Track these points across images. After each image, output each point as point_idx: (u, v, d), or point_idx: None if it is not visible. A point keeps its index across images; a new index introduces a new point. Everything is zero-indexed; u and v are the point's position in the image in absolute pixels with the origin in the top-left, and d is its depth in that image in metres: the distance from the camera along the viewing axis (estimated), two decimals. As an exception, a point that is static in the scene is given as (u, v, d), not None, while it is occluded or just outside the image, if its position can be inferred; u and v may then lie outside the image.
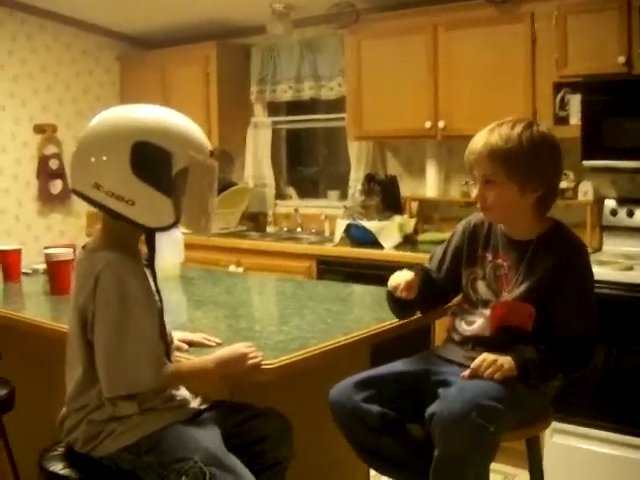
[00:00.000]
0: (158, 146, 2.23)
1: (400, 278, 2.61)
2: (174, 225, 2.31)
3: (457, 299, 2.81)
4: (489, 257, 2.64)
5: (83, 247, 2.39)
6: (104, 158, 2.23)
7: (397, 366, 2.68)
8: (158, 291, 2.41)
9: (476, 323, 2.61)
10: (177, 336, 2.55)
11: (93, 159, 2.24)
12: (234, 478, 2.20)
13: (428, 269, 2.82)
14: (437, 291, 2.79)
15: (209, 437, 2.30)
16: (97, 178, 2.23)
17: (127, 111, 2.32)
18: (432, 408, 2.34)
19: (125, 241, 2.33)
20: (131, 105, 2.36)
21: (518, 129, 2.48)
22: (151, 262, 2.44)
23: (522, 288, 2.52)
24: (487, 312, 2.58)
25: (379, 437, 2.54)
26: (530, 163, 2.47)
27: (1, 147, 6.35)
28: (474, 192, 2.61)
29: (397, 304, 2.70)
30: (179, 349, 2.51)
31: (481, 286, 2.64)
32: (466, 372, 2.44)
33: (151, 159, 2.23)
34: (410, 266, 2.75)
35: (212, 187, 2.39)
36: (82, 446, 2.32)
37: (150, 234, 2.42)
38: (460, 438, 2.25)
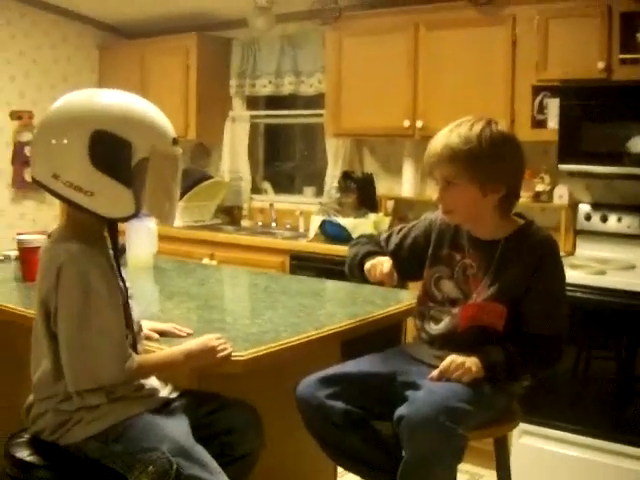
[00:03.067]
0: (117, 136, 2.19)
1: (378, 269, 2.64)
2: (135, 215, 2.27)
3: (415, 299, 2.81)
4: (457, 257, 2.63)
5: (48, 236, 2.36)
6: (62, 148, 2.19)
7: (364, 365, 2.67)
8: (124, 281, 2.37)
9: (443, 322, 2.60)
10: (147, 325, 2.53)
11: (51, 148, 2.20)
12: (201, 469, 2.18)
13: (381, 245, 2.85)
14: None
15: (177, 427, 2.28)
16: (55, 168, 2.19)
17: (88, 97, 2.27)
18: (400, 411, 2.32)
19: (89, 231, 2.29)
20: (94, 90, 2.32)
21: (477, 129, 2.45)
22: (115, 252, 2.38)
23: (493, 289, 2.51)
24: (455, 311, 2.57)
25: (343, 434, 2.53)
26: (490, 163, 2.44)
27: (-24, 133, 6.30)
28: (435, 194, 2.59)
29: (360, 277, 2.77)
30: (149, 338, 2.50)
31: (447, 285, 2.62)
32: (434, 373, 2.43)
33: (110, 149, 2.19)
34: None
35: (175, 175, 2.36)
36: (49, 434, 2.29)
37: (112, 224, 2.37)
38: (429, 441, 2.24)
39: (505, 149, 2.48)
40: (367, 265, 2.69)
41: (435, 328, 2.62)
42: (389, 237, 2.85)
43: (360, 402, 2.54)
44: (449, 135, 2.48)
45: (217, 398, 2.51)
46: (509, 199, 2.54)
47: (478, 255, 2.58)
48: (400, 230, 2.84)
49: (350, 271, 2.86)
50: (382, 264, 2.64)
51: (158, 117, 2.30)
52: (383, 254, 2.75)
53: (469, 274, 2.58)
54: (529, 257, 2.50)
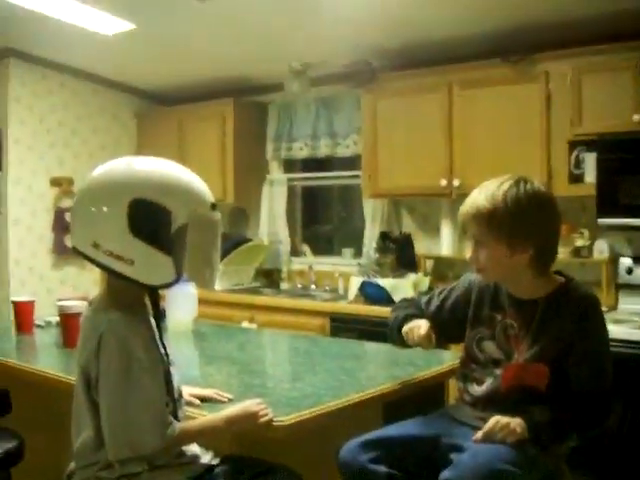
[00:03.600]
0: (156, 203, 2.19)
1: (416, 333, 2.63)
2: (176, 282, 2.27)
3: (457, 360, 2.78)
4: (498, 317, 2.59)
5: (89, 303, 2.38)
6: (101, 217, 2.20)
7: (407, 428, 2.63)
8: (165, 348, 2.37)
9: (486, 383, 2.57)
10: (188, 391, 2.53)
11: (91, 217, 2.21)
12: None
13: (422, 308, 2.83)
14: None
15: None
16: (95, 237, 2.19)
17: (126, 166, 2.27)
18: (445, 474, 2.28)
19: (130, 298, 2.29)
20: (132, 158, 2.33)
21: (504, 188, 2.44)
22: (156, 319, 2.39)
23: (535, 349, 2.48)
24: (498, 371, 2.54)
25: None
26: (515, 223, 2.42)
27: (18, 199, 6.41)
28: (469, 253, 2.58)
29: (399, 340, 2.76)
30: (191, 404, 2.49)
31: (489, 346, 2.59)
32: (478, 435, 2.39)
33: (149, 217, 2.20)
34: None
35: (215, 240, 2.35)
36: None
37: (153, 291, 2.38)
38: None
39: (531, 208, 2.45)
40: (405, 328, 2.69)
41: (478, 389, 2.59)
42: (430, 300, 2.84)
43: (403, 465, 2.50)
44: (478, 194, 2.49)
45: (260, 463, 2.48)
46: (542, 258, 2.50)
47: (518, 315, 2.55)
48: (441, 292, 2.83)
49: (390, 335, 2.85)
50: (420, 327, 2.64)
51: (196, 183, 2.31)
52: (422, 317, 2.74)
53: (510, 334, 2.55)
54: (570, 316, 2.46)
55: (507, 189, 2.44)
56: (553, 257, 2.55)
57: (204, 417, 2.39)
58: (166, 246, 2.21)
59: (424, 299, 2.87)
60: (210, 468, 2.41)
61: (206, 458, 2.43)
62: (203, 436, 2.37)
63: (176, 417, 2.31)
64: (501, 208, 2.42)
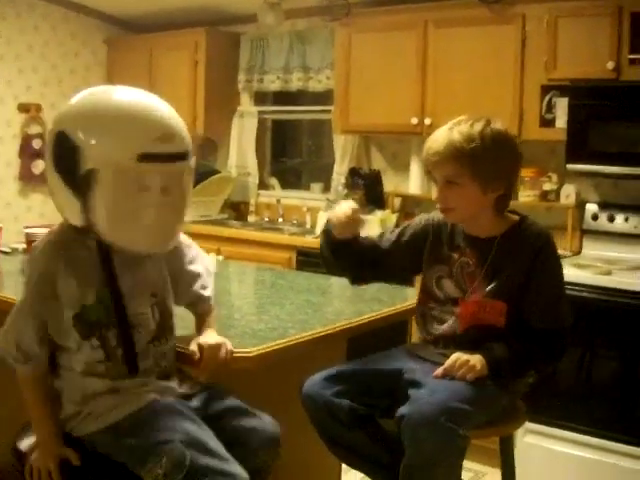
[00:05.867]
0: (70, 139, 2.10)
1: (341, 211, 2.58)
2: (88, 227, 2.17)
3: (416, 298, 2.79)
4: (455, 256, 2.61)
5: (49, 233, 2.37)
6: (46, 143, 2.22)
7: (370, 363, 2.67)
8: (114, 278, 2.26)
9: (447, 322, 2.59)
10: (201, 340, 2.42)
11: None
12: (215, 460, 2.13)
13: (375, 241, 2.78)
14: (377, 262, 2.72)
15: (190, 419, 2.24)
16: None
17: (76, 95, 2.23)
18: (402, 410, 2.31)
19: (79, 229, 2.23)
20: (98, 87, 2.27)
21: (478, 127, 2.44)
22: (101, 251, 2.25)
23: (491, 286, 2.51)
24: (457, 310, 2.56)
25: (350, 431, 2.53)
26: (493, 162, 2.44)
27: (-16, 125, 6.31)
28: (435, 193, 2.57)
29: (333, 250, 2.67)
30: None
31: (448, 284, 2.61)
32: (438, 371, 2.42)
33: (63, 152, 2.12)
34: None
35: (134, 196, 2.13)
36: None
37: None
38: (430, 441, 2.24)
39: (506, 148, 2.49)
40: (329, 215, 2.64)
41: (439, 328, 2.60)
42: (382, 235, 2.80)
43: (366, 399, 2.53)
44: (450, 133, 2.46)
45: (233, 399, 2.43)
46: (507, 198, 2.55)
47: (475, 253, 2.57)
48: (394, 230, 2.81)
49: (321, 251, 2.74)
50: (342, 208, 2.60)
51: (133, 124, 2.13)
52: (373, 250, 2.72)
53: (467, 272, 2.58)
54: (525, 252, 2.50)
55: (482, 129, 2.44)
56: (512, 196, 2.59)
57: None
58: (76, 187, 2.12)
59: (376, 237, 2.83)
60: (184, 396, 2.38)
61: (176, 385, 2.40)
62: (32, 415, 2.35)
63: (135, 370, 2.29)
64: (480, 147, 2.42)
